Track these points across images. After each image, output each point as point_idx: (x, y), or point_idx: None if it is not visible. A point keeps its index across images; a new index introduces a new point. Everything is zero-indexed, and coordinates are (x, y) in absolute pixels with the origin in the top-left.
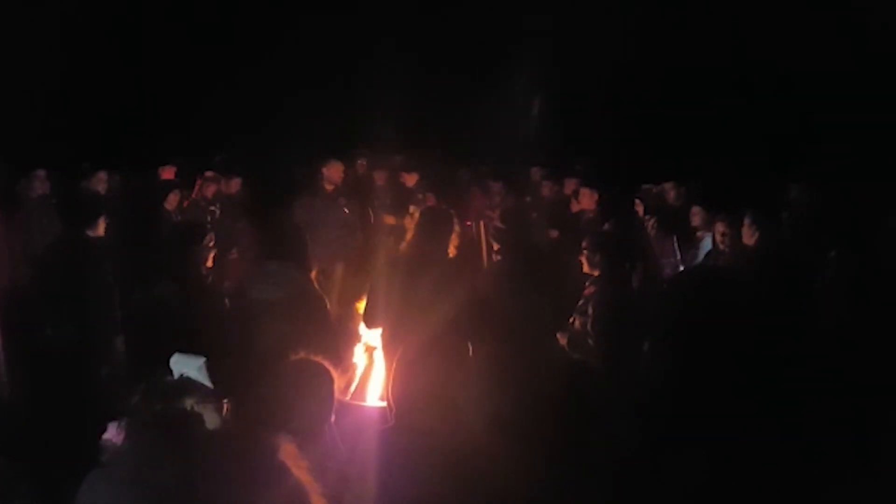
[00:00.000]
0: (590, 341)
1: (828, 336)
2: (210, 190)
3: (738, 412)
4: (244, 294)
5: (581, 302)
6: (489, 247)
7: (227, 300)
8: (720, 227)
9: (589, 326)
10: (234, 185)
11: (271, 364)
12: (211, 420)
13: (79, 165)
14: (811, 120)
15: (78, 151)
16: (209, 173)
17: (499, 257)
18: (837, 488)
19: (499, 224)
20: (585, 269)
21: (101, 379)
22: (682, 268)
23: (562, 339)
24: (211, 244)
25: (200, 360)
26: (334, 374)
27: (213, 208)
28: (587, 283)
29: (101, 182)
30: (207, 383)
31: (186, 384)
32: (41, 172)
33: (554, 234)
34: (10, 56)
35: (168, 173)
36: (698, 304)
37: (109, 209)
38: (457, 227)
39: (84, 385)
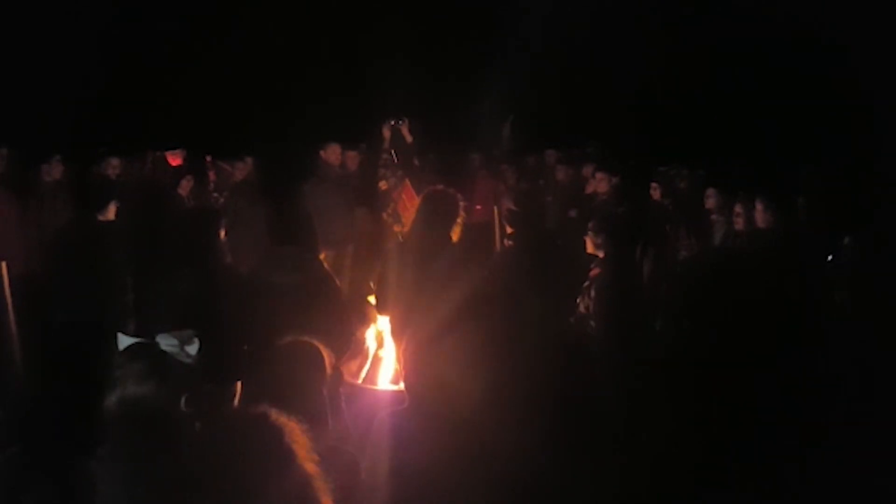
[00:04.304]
0: (592, 323)
1: (837, 322)
2: (216, 175)
3: (746, 394)
4: (259, 278)
5: (585, 283)
6: (502, 230)
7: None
8: (736, 210)
9: (591, 308)
10: (242, 169)
11: (272, 347)
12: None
13: (90, 151)
14: (828, 102)
15: (89, 136)
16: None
17: (510, 241)
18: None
19: (512, 206)
20: (589, 249)
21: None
22: (697, 251)
23: (569, 321)
24: (223, 229)
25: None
26: (325, 353)
27: (216, 195)
28: (591, 265)
29: (112, 167)
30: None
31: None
32: (54, 158)
33: (572, 213)
34: (21, 43)
35: (176, 159)
36: (712, 287)
37: (121, 194)
38: (462, 211)
39: (96, 370)
